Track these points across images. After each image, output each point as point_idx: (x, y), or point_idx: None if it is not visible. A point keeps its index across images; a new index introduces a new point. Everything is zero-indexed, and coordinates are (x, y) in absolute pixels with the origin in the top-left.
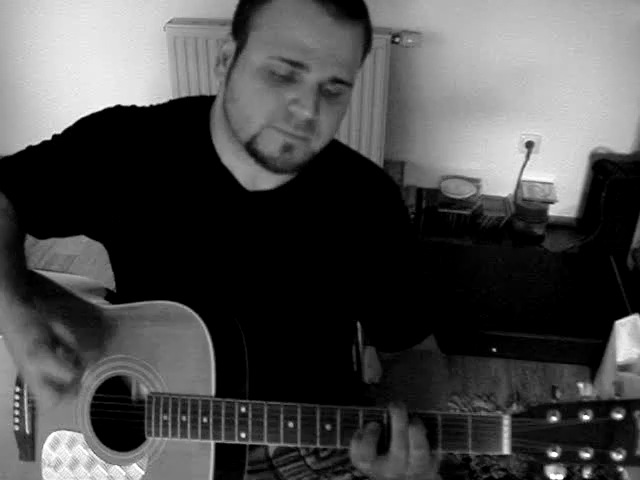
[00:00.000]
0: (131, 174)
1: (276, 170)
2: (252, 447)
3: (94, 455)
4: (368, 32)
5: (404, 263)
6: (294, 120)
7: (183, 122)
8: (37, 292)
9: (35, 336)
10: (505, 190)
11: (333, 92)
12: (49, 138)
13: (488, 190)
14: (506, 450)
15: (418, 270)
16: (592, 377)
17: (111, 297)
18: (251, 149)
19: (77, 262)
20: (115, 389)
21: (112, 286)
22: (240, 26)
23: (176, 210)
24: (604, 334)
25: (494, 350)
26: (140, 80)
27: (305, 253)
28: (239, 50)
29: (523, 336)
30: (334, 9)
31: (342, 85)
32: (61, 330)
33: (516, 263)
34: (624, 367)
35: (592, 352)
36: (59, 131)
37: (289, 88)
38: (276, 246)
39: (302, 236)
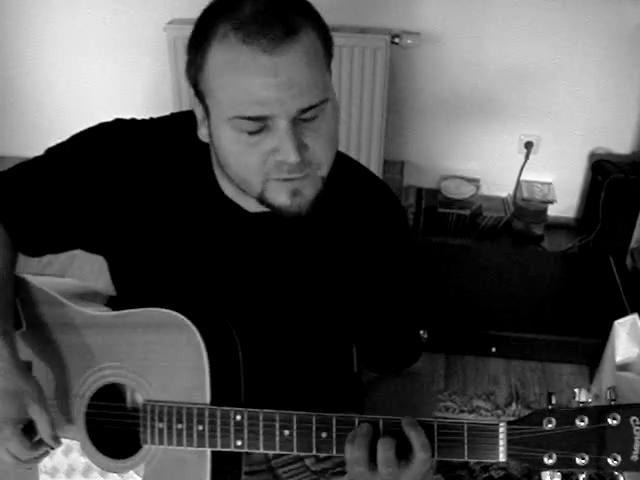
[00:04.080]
0: (130, 191)
1: (298, 215)
2: None
3: (90, 463)
4: (318, 34)
5: (401, 288)
6: (285, 167)
7: (183, 142)
8: (27, 301)
9: (6, 412)
10: (504, 190)
11: (311, 117)
12: (43, 150)
13: (487, 190)
14: (502, 457)
15: (413, 296)
16: (591, 377)
17: (112, 303)
18: (265, 204)
19: (77, 262)
20: (110, 396)
21: (111, 289)
22: (197, 90)
23: (177, 229)
24: (603, 334)
25: (494, 350)
26: (140, 80)
27: (307, 270)
28: (208, 116)
29: (522, 336)
30: (265, 43)
31: (316, 107)
32: (36, 409)
33: (515, 263)
34: (623, 367)
35: (591, 352)
36: (58, 131)
37: (266, 139)
38: (278, 264)
39: (304, 254)
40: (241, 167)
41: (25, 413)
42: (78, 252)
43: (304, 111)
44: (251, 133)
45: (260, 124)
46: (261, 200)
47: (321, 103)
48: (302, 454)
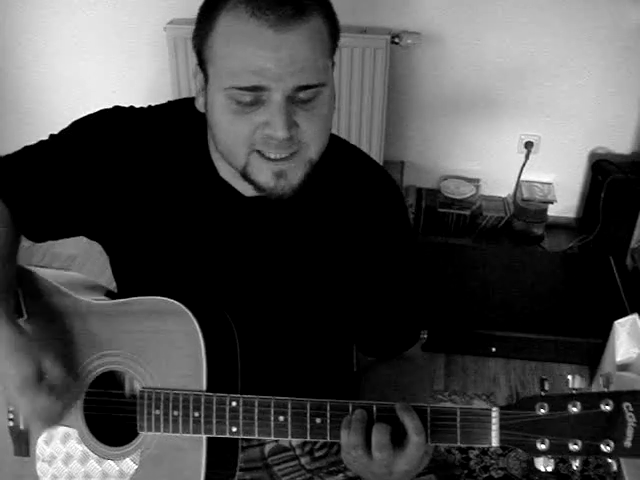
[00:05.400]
0: (129, 176)
1: (280, 197)
2: (247, 446)
3: (87, 450)
4: (326, 21)
5: (399, 271)
6: (273, 142)
7: (181, 127)
8: (28, 292)
9: (24, 373)
10: (504, 190)
11: (306, 98)
12: (46, 138)
13: (487, 190)
14: (495, 442)
15: (412, 279)
16: (591, 377)
17: (111, 296)
18: (247, 179)
19: (78, 262)
20: (109, 384)
21: (112, 286)
22: (200, 58)
23: (174, 214)
24: (603, 334)
25: (493, 350)
26: (140, 80)
27: (304, 255)
28: (206, 84)
29: (522, 336)
30: (273, 19)
31: (313, 89)
32: (48, 363)
33: (515, 263)
34: (623, 367)
35: (591, 352)
36: (57, 131)
37: (258, 111)
38: (274, 248)
39: (300, 238)
40: (229, 136)
41: (39, 367)
42: (78, 252)
43: (300, 90)
44: (245, 105)
45: (255, 96)
46: (244, 175)
47: (318, 85)
48: (298, 452)
